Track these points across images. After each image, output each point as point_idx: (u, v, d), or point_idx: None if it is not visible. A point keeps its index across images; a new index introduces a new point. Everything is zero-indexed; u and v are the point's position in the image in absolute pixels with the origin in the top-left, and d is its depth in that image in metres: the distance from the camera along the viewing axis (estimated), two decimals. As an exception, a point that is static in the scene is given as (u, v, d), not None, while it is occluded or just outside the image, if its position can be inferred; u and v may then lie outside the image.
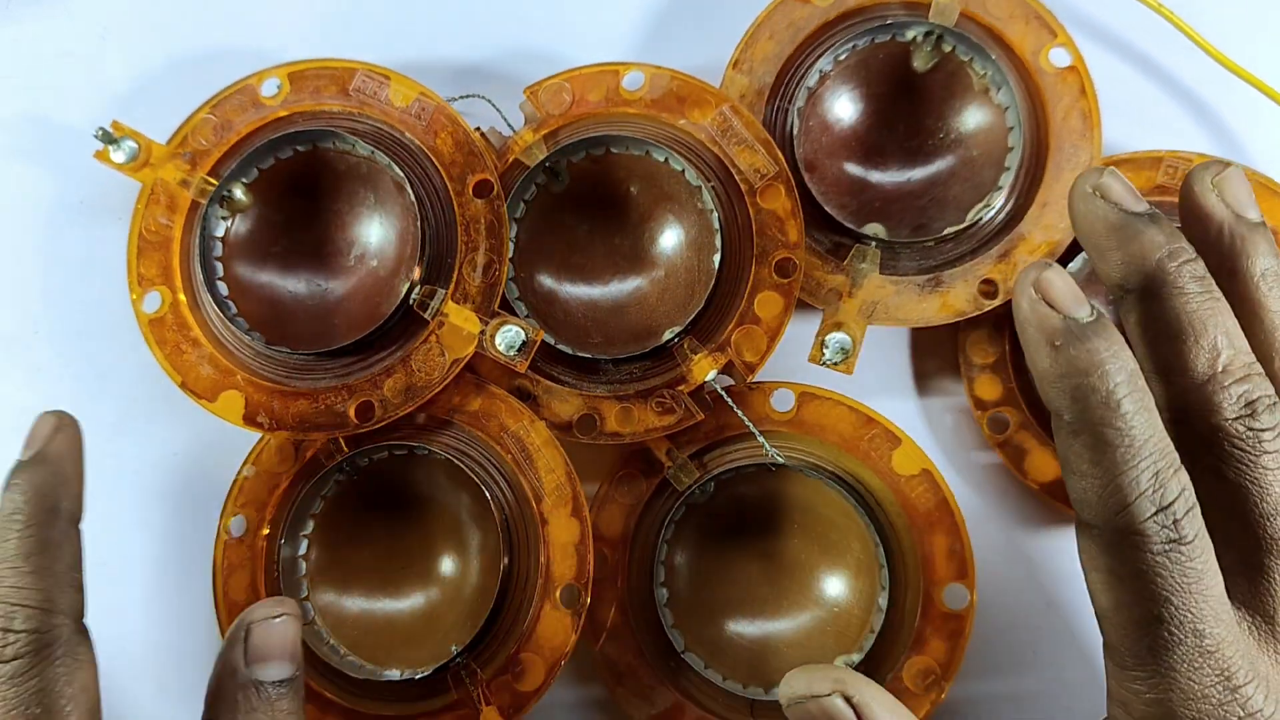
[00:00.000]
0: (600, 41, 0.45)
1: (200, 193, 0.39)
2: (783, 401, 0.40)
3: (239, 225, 0.39)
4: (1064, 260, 0.39)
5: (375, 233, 0.40)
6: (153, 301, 0.39)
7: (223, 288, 0.38)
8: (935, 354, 0.43)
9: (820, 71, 0.40)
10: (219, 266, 0.38)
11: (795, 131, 0.40)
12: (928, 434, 0.42)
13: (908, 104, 0.42)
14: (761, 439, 0.38)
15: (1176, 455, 0.26)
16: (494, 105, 0.42)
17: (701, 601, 0.39)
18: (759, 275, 0.39)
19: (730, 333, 0.38)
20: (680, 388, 0.38)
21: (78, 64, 0.44)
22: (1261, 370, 0.27)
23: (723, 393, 0.38)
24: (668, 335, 0.38)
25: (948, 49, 0.40)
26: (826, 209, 0.39)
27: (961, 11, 0.40)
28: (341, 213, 0.40)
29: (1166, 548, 0.25)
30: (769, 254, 0.39)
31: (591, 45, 0.44)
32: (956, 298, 0.39)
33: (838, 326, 0.39)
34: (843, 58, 0.40)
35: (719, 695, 0.38)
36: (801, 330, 0.40)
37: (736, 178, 0.39)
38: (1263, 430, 0.26)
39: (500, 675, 0.36)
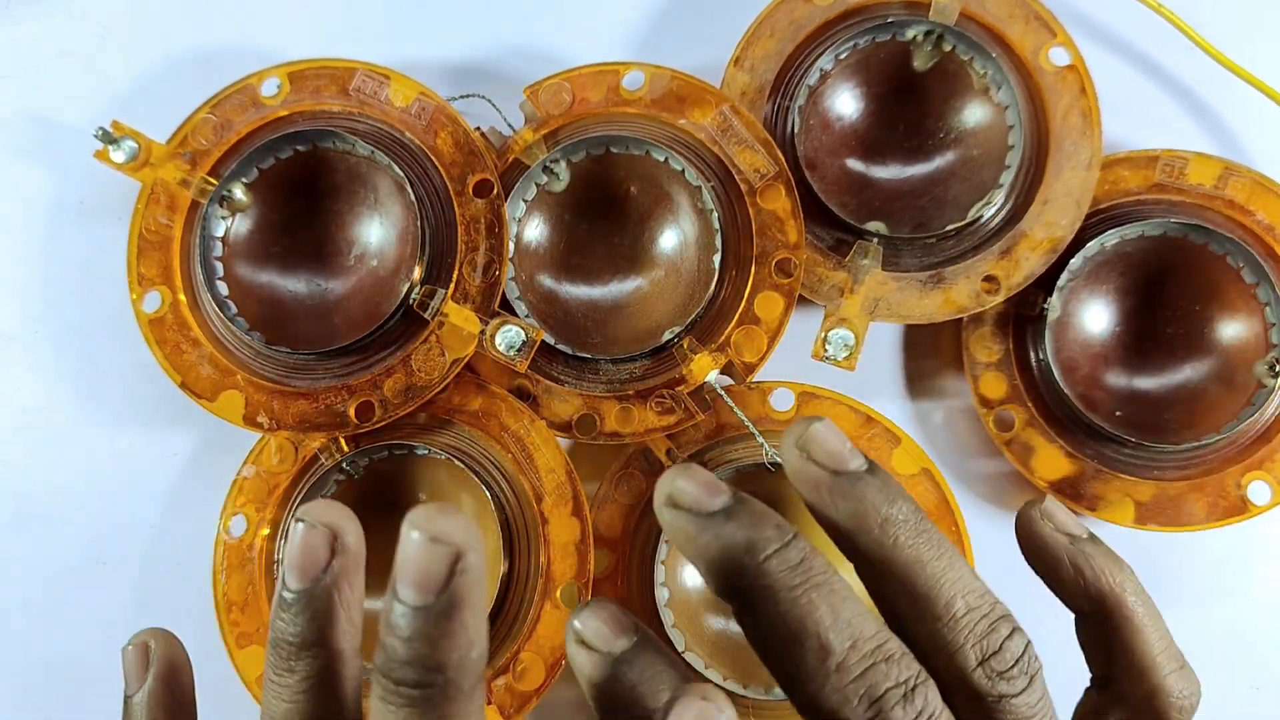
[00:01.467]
0: (600, 41, 0.45)
1: (200, 192, 0.39)
2: (782, 401, 0.40)
3: (239, 225, 0.39)
4: (1063, 259, 0.39)
5: (375, 232, 0.40)
6: (153, 301, 0.39)
7: (223, 288, 0.38)
8: (936, 352, 0.43)
9: (821, 70, 0.40)
10: (219, 266, 0.38)
11: (796, 129, 0.40)
12: (929, 433, 0.42)
13: (908, 102, 0.42)
14: (761, 440, 0.38)
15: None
16: (494, 105, 0.42)
17: (702, 601, 0.39)
18: (759, 275, 0.38)
19: (730, 333, 0.38)
20: (680, 388, 0.38)
21: (78, 64, 0.44)
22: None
23: (722, 393, 0.38)
24: (667, 335, 0.38)
25: (948, 48, 0.40)
26: (828, 206, 0.39)
27: (961, 11, 0.40)
28: (341, 212, 0.40)
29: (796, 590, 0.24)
30: (769, 254, 0.39)
31: (591, 45, 0.45)
32: (959, 294, 0.39)
33: (840, 323, 0.39)
34: (844, 56, 0.40)
35: (719, 695, 0.38)
36: (802, 328, 0.40)
37: (736, 178, 0.39)
38: None
39: (501, 674, 0.36)
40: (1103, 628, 0.27)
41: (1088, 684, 0.29)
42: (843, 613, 0.24)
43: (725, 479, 0.38)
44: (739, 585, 0.24)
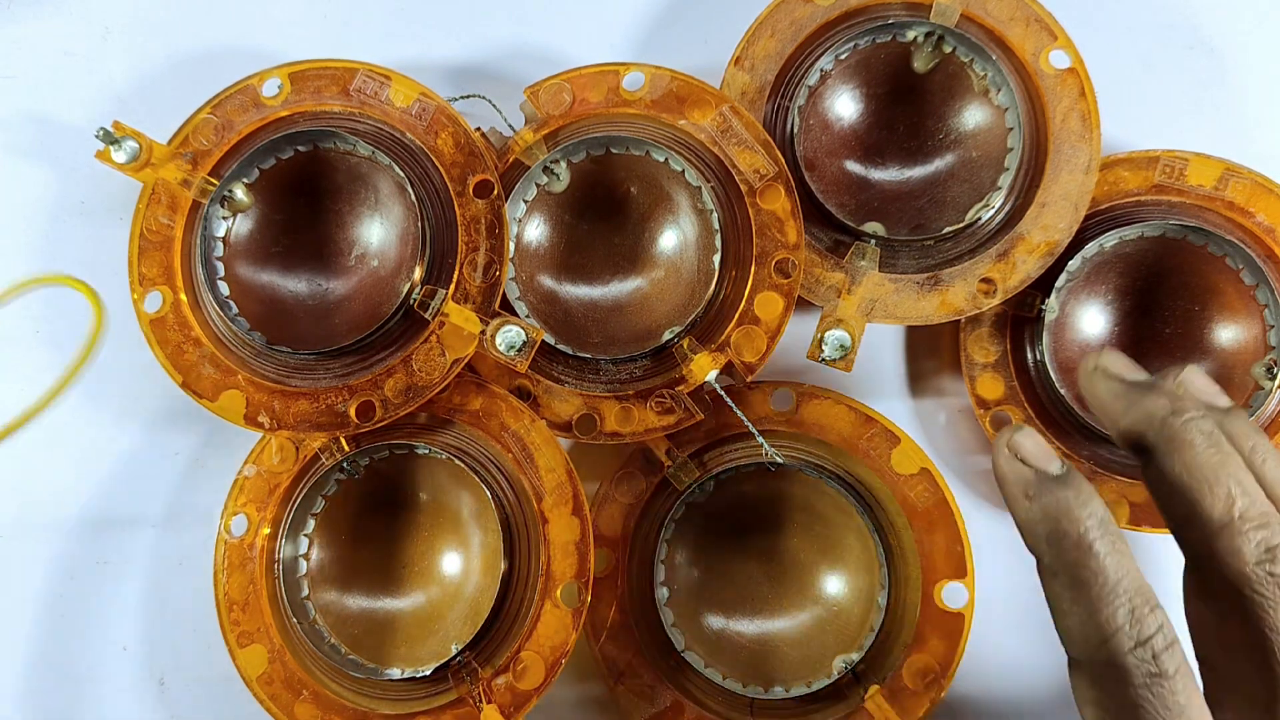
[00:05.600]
0: (600, 41, 0.45)
1: (201, 193, 0.39)
2: (782, 401, 0.40)
3: (240, 225, 0.39)
4: (1061, 261, 0.39)
5: (376, 233, 0.40)
6: (154, 301, 0.39)
7: (224, 287, 0.38)
8: (934, 353, 0.43)
9: (821, 70, 0.40)
10: (220, 266, 0.38)
11: (796, 129, 0.40)
12: (927, 433, 0.42)
13: (908, 104, 0.42)
14: (761, 439, 0.38)
15: (1152, 594, 0.27)
16: (494, 105, 0.42)
17: (701, 600, 0.39)
18: (758, 276, 0.39)
19: (730, 333, 0.38)
20: (680, 388, 0.38)
21: (79, 64, 0.44)
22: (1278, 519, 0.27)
23: (722, 393, 0.38)
24: (667, 335, 0.38)
25: (948, 50, 0.40)
26: (826, 207, 0.39)
27: (962, 13, 0.40)
28: (342, 213, 0.41)
29: (1149, 681, 0.26)
30: (769, 254, 0.39)
31: (592, 45, 0.45)
32: (955, 296, 0.39)
33: (837, 324, 0.39)
34: (844, 57, 0.40)
35: (718, 694, 0.38)
36: (801, 328, 0.40)
37: (736, 178, 0.39)
38: None
39: (501, 673, 0.36)
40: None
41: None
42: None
43: (725, 478, 0.38)
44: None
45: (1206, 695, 0.28)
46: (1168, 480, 0.29)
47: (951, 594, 0.37)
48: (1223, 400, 0.30)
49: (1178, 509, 0.28)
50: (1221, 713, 0.28)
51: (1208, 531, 0.28)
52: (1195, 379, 0.31)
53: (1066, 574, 0.27)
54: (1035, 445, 0.30)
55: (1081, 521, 0.27)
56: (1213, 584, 0.28)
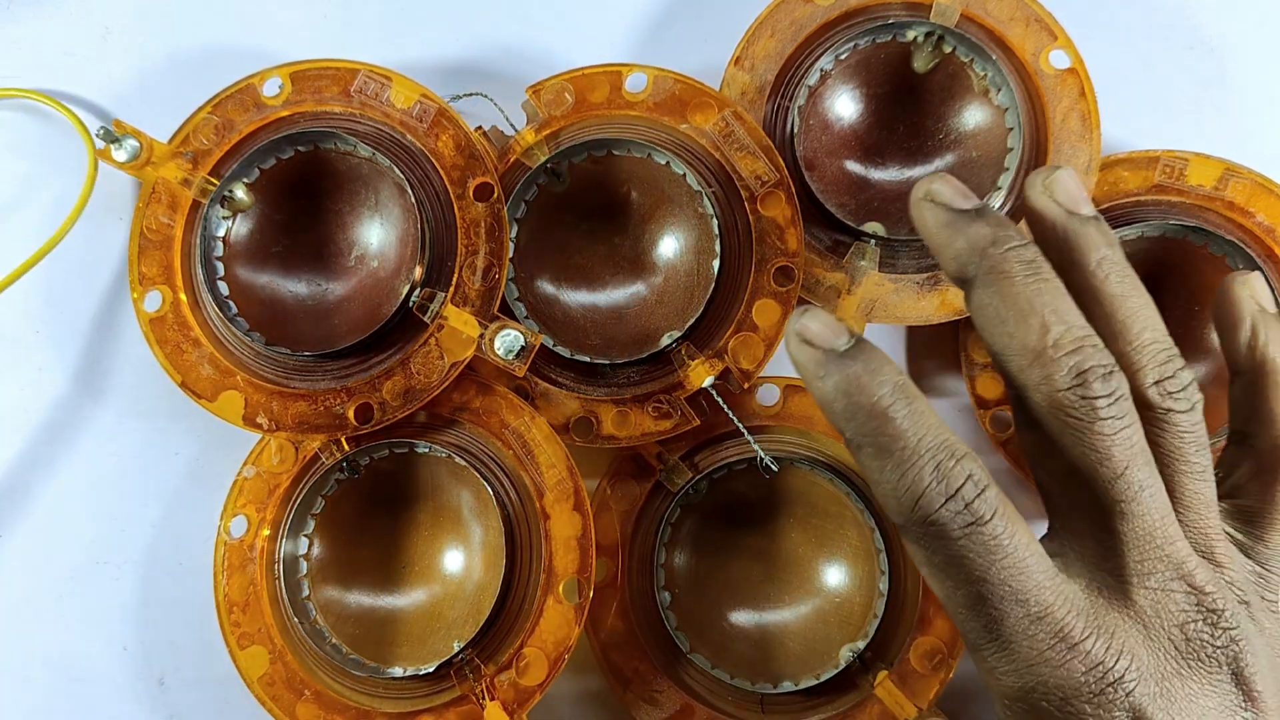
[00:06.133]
0: (601, 41, 0.45)
1: (201, 192, 0.39)
2: (768, 396, 0.40)
3: (240, 225, 0.39)
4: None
5: (376, 234, 0.40)
6: (153, 301, 0.39)
7: (223, 288, 0.38)
8: (934, 353, 0.43)
9: (821, 70, 0.40)
10: (220, 266, 0.38)
11: (796, 129, 0.40)
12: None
13: (908, 104, 0.42)
14: (756, 446, 0.38)
15: (960, 445, 0.27)
16: (495, 104, 0.42)
17: (704, 601, 0.39)
18: (758, 282, 0.39)
19: (728, 339, 0.38)
20: (677, 393, 0.38)
21: (80, 63, 0.44)
22: (1098, 343, 0.28)
23: (720, 400, 0.38)
24: (666, 340, 0.38)
25: (948, 50, 0.40)
26: (826, 206, 0.39)
27: (962, 13, 0.40)
28: (342, 214, 0.41)
29: (966, 531, 0.27)
30: (768, 261, 0.39)
31: (592, 45, 0.45)
32: (955, 296, 0.39)
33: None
34: (844, 57, 0.40)
35: (727, 693, 0.38)
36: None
37: (737, 184, 0.39)
38: (1096, 398, 0.27)
39: (504, 670, 0.36)
40: (1253, 388, 0.32)
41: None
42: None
43: (718, 477, 0.38)
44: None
45: (1051, 525, 0.30)
46: (985, 311, 0.29)
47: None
48: (1086, 208, 0.30)
49: (995, 340, 0.29)
50: (1064, 539, 0.29)
51: (1023, 362, 0.28)
52: (1065, 181, 0.31)
53: (869, 444, 0.28)
54: (820, 325, 0.29)
55: (873, 390, 0.27)
56: (1033, 413, 0.28)
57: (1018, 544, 0.27)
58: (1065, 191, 0.30)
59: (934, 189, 0.31)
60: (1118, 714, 0.26)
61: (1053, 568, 0.27)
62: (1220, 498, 0.31)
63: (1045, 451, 0.29)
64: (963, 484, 0.27)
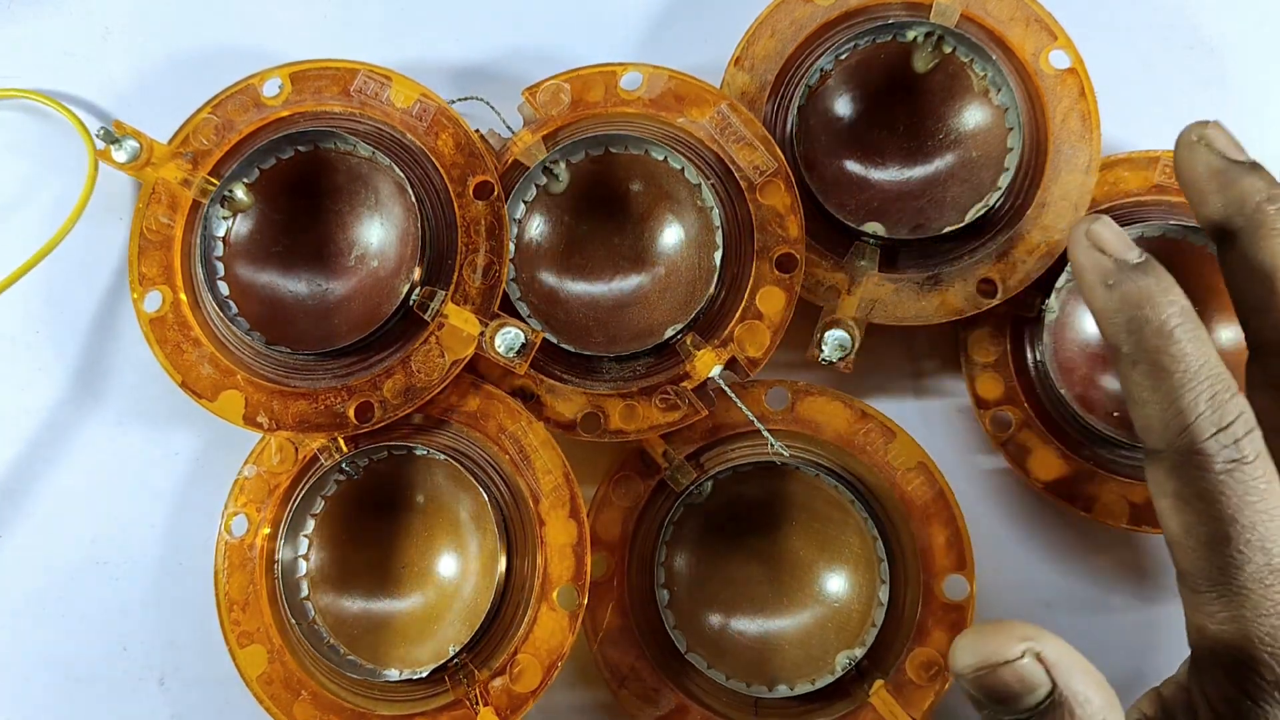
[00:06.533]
0: (601, 42, 0.45)
1: (201, 192, 0.39)
2: (778, 400, 0.40)
3: (240, 225, 0.40)
4: (1061, 260, 0.39)
5: (376, 234, 0.40)
6: (153, 301, 0.39)
7: (223, 287, 0.38)
8: (935, 353, 0.43)
9: (821, 70, 0.40)
10: (220, 266, 0.38)
11: (795, 129, 0.40)
12: (927, 432, 0.42)
13: (908, 104, 0.42)
14: (766, 433, 0.38)
15: (1233, 381, 0.27)
16: (492, 107, 0.42)
17: (703, 602, 0.39)
18: (760, 271, 0.39)
19: (733, 328, 0.38)
20: (684, 384, 0.38)
21: (79, 64, 0.44)
22: None
23: (726, 388, 0.38)
24: (670, 332, 0.38)
25: (948, 50, 0.40)
26: (826, 207, 0.39)
27: (962, 13, 0.40)
28: (342, 213, 0.41)
29: (1229, 467, 0.26)
30: (770, 249, 0.39)
31: (592, 45, 0.45)
32: (955, 296, 0.39)
33: (836, 324, 0.39)
34: (844, 57, 0.40)
35: (723, 695, 0.38)
36: (799, 328, 0.40)
37: (736, 175, 0.39)
38: None
39: (498, 676, 0.36)
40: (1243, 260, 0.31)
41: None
42: None
43: (723, 478, 0.38)
44: (1249, 218, 0.29)
45: None
46: (1248, 265, 0.29)
47: (952, 586, 0.37)
48: (1133, 255, 0.30)
49: (1252, 296, 0.29)
50: None
51: (1275, 320, 0.28)
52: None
53: (1147, 361, 0.27)
54: (1114, 235, 0.29)
55: (1164, 307, 0.27)
56: (1277, 373, 0.28)
57: (1275, 490, 0.26)
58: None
59: (1209, 133, 0.31)
60: None
61: None
62: None
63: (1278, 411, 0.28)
64: (1235, 418, 0.26)
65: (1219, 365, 0.27)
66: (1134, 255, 0.29)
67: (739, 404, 0.38)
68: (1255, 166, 0.30)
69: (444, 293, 0.38)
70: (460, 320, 0.38)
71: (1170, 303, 0.28)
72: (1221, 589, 0.27)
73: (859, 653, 0.36)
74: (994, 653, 0.26)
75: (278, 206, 0.40)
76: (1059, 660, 0.26)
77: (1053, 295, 0.39)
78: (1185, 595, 0.28)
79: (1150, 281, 0.28)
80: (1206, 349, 0.27)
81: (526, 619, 0.37)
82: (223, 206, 0.39)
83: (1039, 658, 0.26)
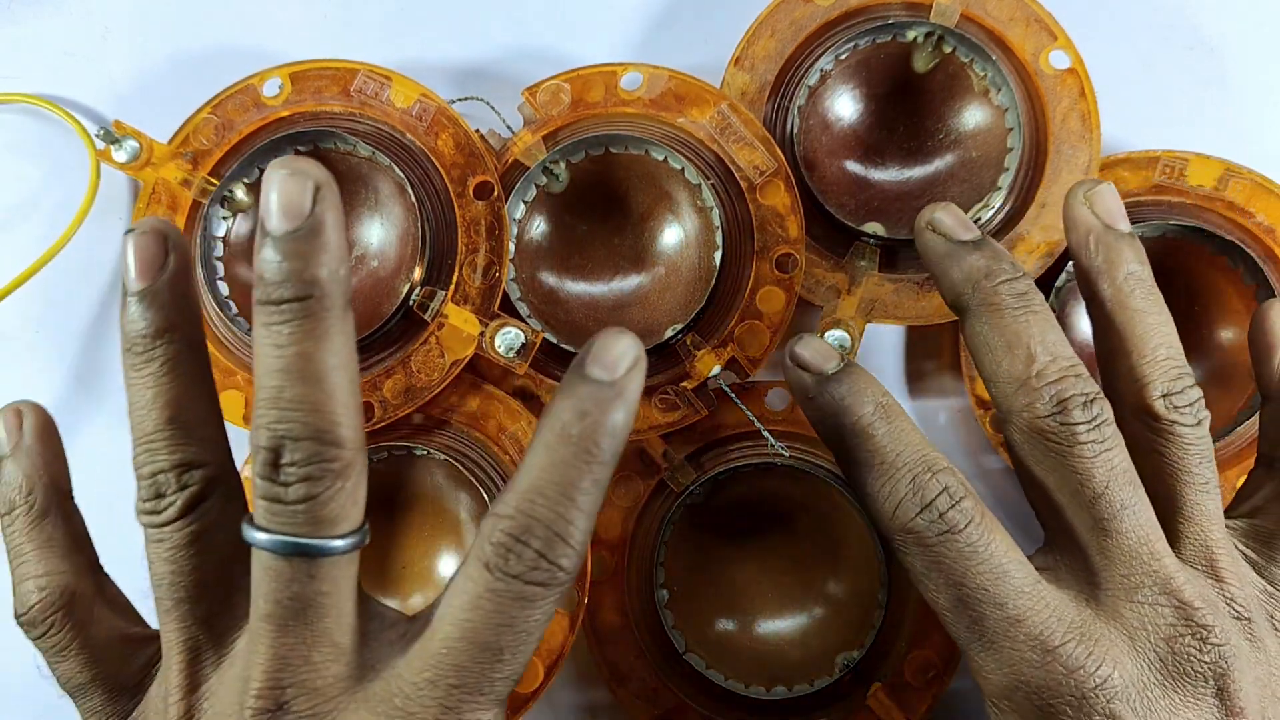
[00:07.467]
0: (600, 42, 0.45)
1: (201, 193, 0.39)
2: (778, 399, 0.40)
3: (240, 225, 0.39)
4: (1061, 260, 0.39)
5: (376, 233, 0.40)
6: (154, 301, 0.39)
7: (223, 287, 0.38)
8: (934, 353, 0.43)
9: (821, 70, 0.40)
10: (220, 266, 0.38)
11: (795, 130, 0.40)
12: (928, 432, 0.42)
13: (908, 104, 0.42)
14: (766, 433, 0.38)
15: (937, 459, 0.29)
16: (492, 107, 0.42)
17: (701, 602, 0.39)
18: (760, 271, 0.39)
19: (733, 328, 0.38)
20: (684, 384, 0.38)
21: (79, 64, 0.44)
22: (1081, 372, 0.29)
23: (726, 388, 0.38)
24: (670, 332, 0.38)
25: (948, 50, 0.40)
26: (826, 207, 0.39)
27: (962, 13, 0.40)
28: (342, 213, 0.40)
29: (940, 539, 0.28)
30: (770, 249, 0.39)
31: (592, 46, 0.45)
32: (956, 298, 0.39)
33: (836, 324, 0.39)
34: (844, 57, 0.40)
35: (721, 695, 0.38)
36: (799, 328, 0.40)
37: (736, 175, 0.39)
38: (1075, 425, 0.29)
39: (500, 675, 0.36)
40: None
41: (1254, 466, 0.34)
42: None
43: (722, 479, 0.38)
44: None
45: (1045, 540, 0.31)
46: (976, 340, 0.31)
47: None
48: (1123, 224, 0.32)
49: (985, 368, 0.31)
50: (1057, 553, 0.30)
51: (1009, 389, 0.30)
52: (1106, 195, 0.32)
53: (854, 461, 0.30)
54: (812, 351, 0.31)
55: (855, 411, 0.30)
56: (1019, 438, 0.30)
57: (994, 550, 0.28)
58: (1105, 205, 0.32)
59: (936, 218, 0.33)
60: (1096, 719, 0.27)
61: (1034, 574, 0.29)
62: (1240, 516, 0.32)
63: (1033, 473, 0.30)
64: (937, 495, 0.28)
65: (918, 449, 0.29)
66: (831, 366, 0.31)
67: (739, 404, 0.38)
68: (979, 244, 0.32)
69: (444, 293, 0.38)
70: (460, 320, 0.38)
71: (863, 404, 0.30)
72: (977, 645, 0.29)
73: (857, 655, 0.36)
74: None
75: (278, 206, 0.40)
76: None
77: (1052, 295, 0.39)
78: (963, 654, 0.30)
79: (843, 390, 0.30)
80: (904, 436, 0.29)
81: (526, 619, 0.37)
82: (223, 206, 0.39)
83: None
